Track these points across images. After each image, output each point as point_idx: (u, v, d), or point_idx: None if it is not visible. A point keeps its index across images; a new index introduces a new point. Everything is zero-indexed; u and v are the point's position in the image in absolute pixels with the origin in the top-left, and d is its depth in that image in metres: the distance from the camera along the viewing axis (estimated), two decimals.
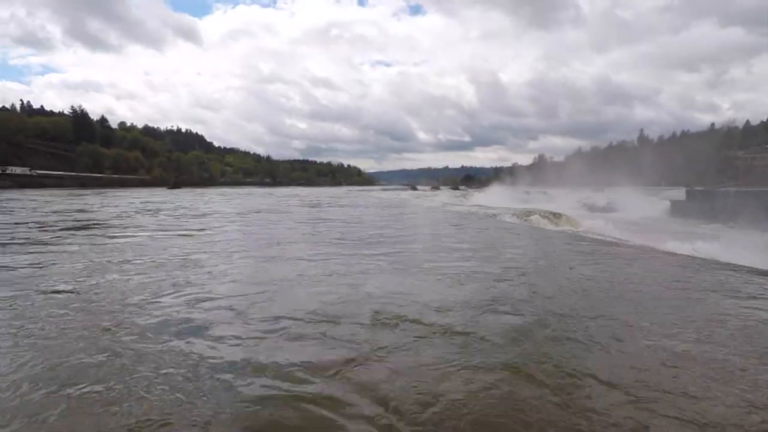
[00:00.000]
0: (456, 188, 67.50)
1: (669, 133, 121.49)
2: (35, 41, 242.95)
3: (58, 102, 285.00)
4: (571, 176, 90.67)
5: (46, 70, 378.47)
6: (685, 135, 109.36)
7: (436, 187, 68.87)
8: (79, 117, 67.83)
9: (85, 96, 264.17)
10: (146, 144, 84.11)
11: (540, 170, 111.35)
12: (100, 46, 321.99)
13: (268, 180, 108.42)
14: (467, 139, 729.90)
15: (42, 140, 58.08)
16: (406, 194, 35.09)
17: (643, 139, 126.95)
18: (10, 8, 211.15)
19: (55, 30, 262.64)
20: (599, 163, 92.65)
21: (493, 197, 39.02)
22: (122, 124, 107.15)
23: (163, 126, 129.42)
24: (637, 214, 33.50)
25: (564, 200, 51.26)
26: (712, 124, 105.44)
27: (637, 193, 46.28)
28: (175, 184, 31.11)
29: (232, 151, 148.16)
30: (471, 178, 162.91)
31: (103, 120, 75.08)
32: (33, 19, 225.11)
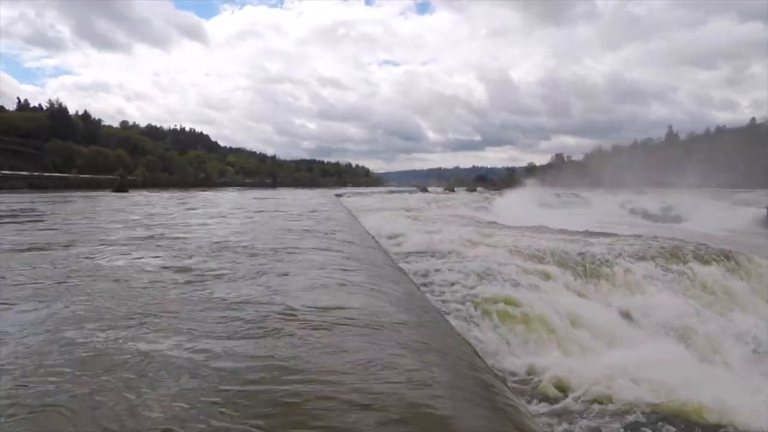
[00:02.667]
0: (473, 190, 59.67)
1: (689, 131, 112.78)
2: (45, 41, 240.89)
3: (69, 103, 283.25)
4: (600, 177, 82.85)
5: (59, 72, 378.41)
6: (722, 131, 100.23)
7: (449, 189, 60.74)
8: (57, 112, 62.07)
9: (95, 97, 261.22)
10: (138, 142, 78.49)
11: (561, 170, 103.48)
12: (107, 46, 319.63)
13: (268, 180, 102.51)
14: (477, 138, 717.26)
15: (9, 137, 52.33)
16: (415, 200, 27.72)
17: (672, 136, 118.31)
18: (18, 8, 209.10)
19: (63, 29, 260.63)
20: (627, 163, 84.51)
21: (523, 202, 31.68)
22: (124, 123, 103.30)
23: (169, 126, 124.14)
24: (713, 226, 25.80)
25: (602, 205, 43.72)
26: (753, 119, 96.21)
27: (694, 197, 38.34)
28: (120, 187, 24.34)
29: (238, 151, 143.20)
30: (484, 179, 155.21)
31: (86, 116, 69.22)
32: (42, 19, 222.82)
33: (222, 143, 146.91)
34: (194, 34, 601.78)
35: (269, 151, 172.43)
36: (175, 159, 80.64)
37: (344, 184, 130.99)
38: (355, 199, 25.05)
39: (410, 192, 41.40)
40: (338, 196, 27.24)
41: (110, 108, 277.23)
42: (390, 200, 25.17)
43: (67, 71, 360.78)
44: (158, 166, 70.33)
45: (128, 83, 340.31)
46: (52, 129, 59.01)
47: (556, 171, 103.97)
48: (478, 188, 70.62)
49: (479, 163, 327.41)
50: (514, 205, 27.67)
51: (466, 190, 60.76)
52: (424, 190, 54.68)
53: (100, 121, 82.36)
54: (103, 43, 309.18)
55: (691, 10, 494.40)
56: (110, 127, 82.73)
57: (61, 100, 64.01)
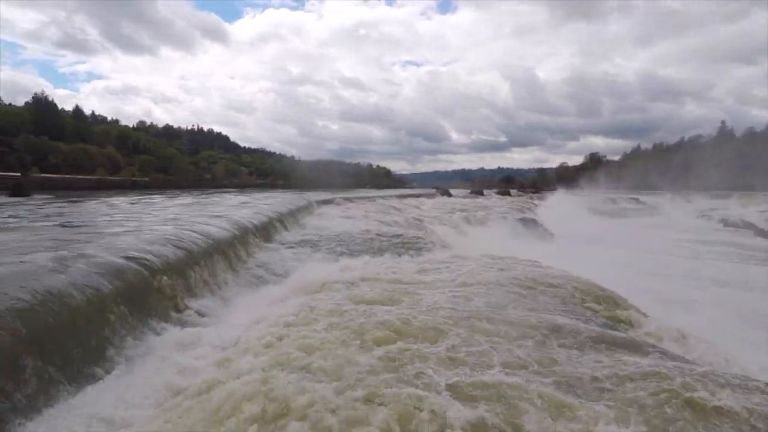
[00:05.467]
0: (505, 193, 50.38)
1: (747, 127, 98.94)
2: (74, 43, 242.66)
3: (100, 107, 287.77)
4: (650, 178, 72.44)
5: (92, 76, 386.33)
6: None
7: (478, 192, 51.15)
8: (40, 107, 56.77)
9: (125, 100, 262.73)
10: (138, 140, 73.21)
11: (600, 171, 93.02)
12: (133, 48, 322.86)
13: (280, 182, 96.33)
14: (503, 139, 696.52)
15: None
16: (431, 209, 19.39)
17: (725, 133, 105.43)
18: (49, 12, 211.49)
19: (92, 32, 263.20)
20: (682, 162, 73.56)
21: (584, 213, 23.14)
22: (142, 123, 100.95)
23: (187, 126, 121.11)
24: None
25: (675, 212, 34.37)
26: None
27: None
28: (17, 190, 17.46)
29: (256, 152, 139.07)
30: (511, 180, 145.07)
31: (78, 112, 63.98)
32: (72, 23, 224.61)
33: (245, 144, 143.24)
34: (217, 36, 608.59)
35: (293, 153, 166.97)
36: (176, 159, 75.11)
37: (363, 186, 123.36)
38: (339, 210, 16.70)
39: (428, 196, 32.97)
40: (326, 202, 19.19)
41: (139, 111, 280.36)
42: (396, 211, 16.85)
43: (98, 75, 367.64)
44: (154, 165, 64.71)
45: (156, 86, 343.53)
46: (36, 125, 53.78)
47: (594, 172, 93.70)
48: (512, 191, 61.19)
49: (505, 164, 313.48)
50: (583, 222, 19.21)
51: (497, 192, 51.48)
52: (446, 193, 45.67)
53: (118, 120, 78.34)
54: (129, 46, 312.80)
55: (729, 2, 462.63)
56: (110, 125, 78.08)
57: (47, 94, 58.63)
